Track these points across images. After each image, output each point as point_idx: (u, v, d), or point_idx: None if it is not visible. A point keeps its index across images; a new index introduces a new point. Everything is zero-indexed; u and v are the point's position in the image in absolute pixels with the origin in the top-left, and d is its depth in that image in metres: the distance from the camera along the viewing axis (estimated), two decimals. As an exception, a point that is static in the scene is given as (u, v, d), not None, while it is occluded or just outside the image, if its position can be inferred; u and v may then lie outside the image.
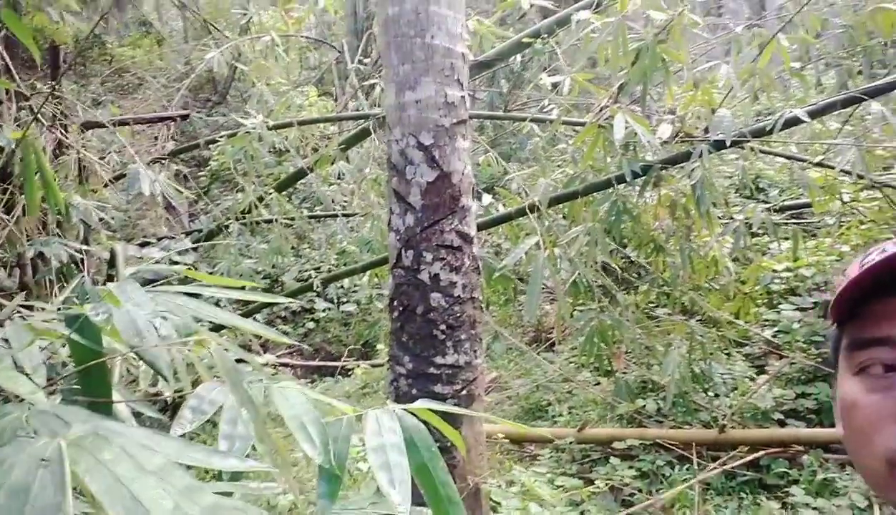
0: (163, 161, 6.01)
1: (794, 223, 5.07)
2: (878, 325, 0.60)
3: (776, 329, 4.49)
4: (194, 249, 6.04)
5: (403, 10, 2.97)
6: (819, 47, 4.46)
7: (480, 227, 4.00)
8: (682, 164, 4.47)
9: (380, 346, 6.57)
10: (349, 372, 6.44)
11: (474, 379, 3.25)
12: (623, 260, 5.34)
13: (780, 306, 4.52)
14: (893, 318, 0.60)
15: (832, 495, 3.71)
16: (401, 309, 3.18)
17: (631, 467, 4.17)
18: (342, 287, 7.59)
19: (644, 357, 4.84)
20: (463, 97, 3.13)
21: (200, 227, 6.15)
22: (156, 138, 7.21)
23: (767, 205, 5.08)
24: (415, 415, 1.01)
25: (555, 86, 4.63)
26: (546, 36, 4.86)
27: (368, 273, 5.99)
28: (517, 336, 6.47)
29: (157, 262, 3.78)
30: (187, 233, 6.32)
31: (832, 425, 4.12)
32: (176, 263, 4.96)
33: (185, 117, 7.40)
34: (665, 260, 4.88)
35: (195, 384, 1.05)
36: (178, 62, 10.93)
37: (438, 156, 3.05)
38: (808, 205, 5.21)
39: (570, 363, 5.71)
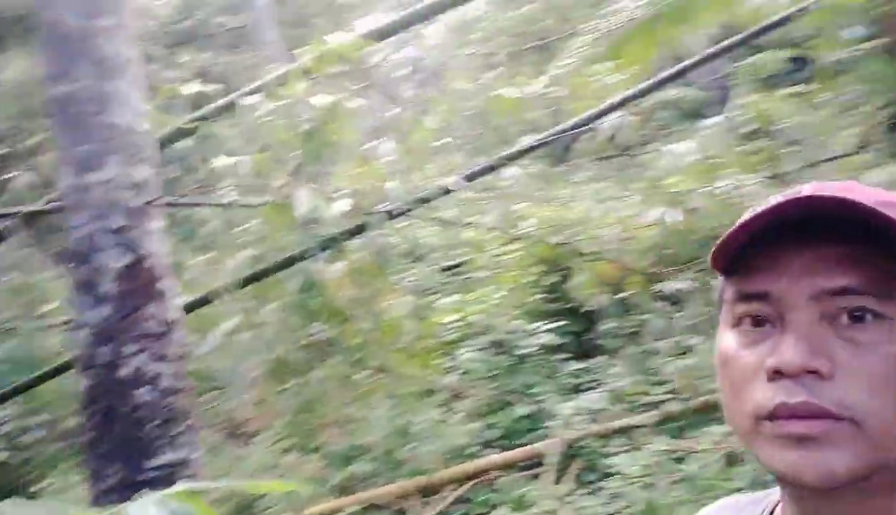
0: None
1: (458, 279, 5.80)
2: (755, 279, 0.59)
3: (461, 372, 5.04)
4: None
5: (79, 87, 2.75)
6: (460, 125, 5.29)
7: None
8: (362, 235, 4.80)
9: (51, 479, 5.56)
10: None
11: (194, 475, 3.02)
12: (317, 333, 5.45)
13: (458, 352, 5.09)
14: (771, 272, 0.58)
15: (529, 507, 4.24)
16: (99, 415, 2.83)
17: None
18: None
19: (349, 423, 4.98)
20: (151, 176, 2.99)
21: None
22: None
23: (434, 267, 5.72)
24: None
25: (229, 168, 4.63)
26: (214, 119, 4.86)
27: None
28: (211, 432, 6.07)
29: None
30: None
31: (519, 445, 4.76)
32: None
33: None
34: (355, 328, 5.13)
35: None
36: None
37: (131, 239, 2.84)
38: (464, 263, 5.99)
39: (275, 448, 5.56)
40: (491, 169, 4.95)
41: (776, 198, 0.57)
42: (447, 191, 4.69)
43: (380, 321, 5.09)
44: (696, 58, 5.78)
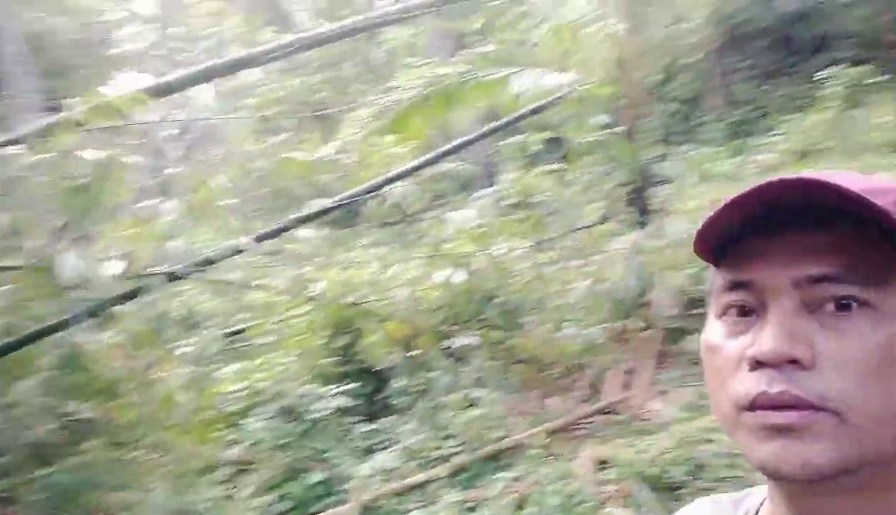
0: None
1: (241, 346, 5.57)
2: (741, 267, 0.58)
3: (249, 443, 4.78)
4: None
5: None
6: (246, 186, 5.18)
7: None
8: (137, 300, 4.45)
9: None
10: None
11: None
12: (80, 411, 4.86)
13: (245, 421, 4.85)
14: (757, 260, 0.57)
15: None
16: None
17: None
18: None
19: (123, 510, 4.46)
20: None
21: None
22: None
23: (215, 333, 5.44)
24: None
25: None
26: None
27: None
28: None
29: None
30: None
31: (314, 514, 4.60)
32: None
33: None
34: (127, 403, 4.68)
35: None
36: None
37: None
38: (249, 328, 5.79)
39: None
40: (281, 231, 4.92)
41: (760, 179, 0.56)
42: (236, 252, 4.55)
43: (154, 393, 4.70)
44: (469, 136, 6.36)
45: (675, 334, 5.37)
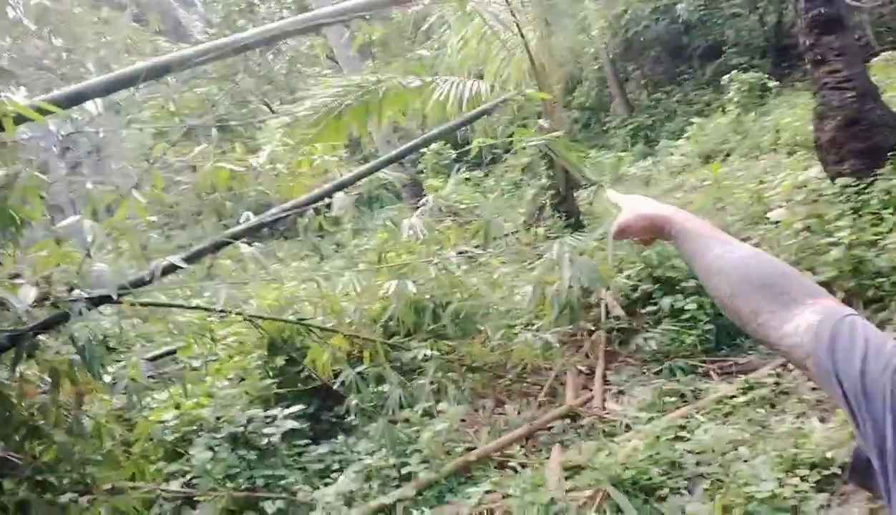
0: None
1: (175, 370, 5.15)
2: None
3: (190, 476, 4.40)
4: None
5: None
6: (174, 202, 4.79)
7: None
8: (55, 328, 4.04)
9: None
10: None
11: None
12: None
13: (189, 452, 4.47)
14: None
15: None
16: None
17: None
18: None
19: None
20: None
21: None
22: None
23: (146, 358, 5.01)
24: None
25: None
26: None
27: None
28: None
29: None
30: None
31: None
32: None
33: None
34: (48, 440, 4.21)
35: None
36: None
37: None
38: (178, 352, 5.37)
39: None
40: (215, 247, 4.59)
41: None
42: (166, 271, 4.19)
43: (80, 427, 4.26)
44: (409, 144, 6.21)
45: (623, 334, 5.44)
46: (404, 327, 5.09)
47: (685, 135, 11.66)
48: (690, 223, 1.06)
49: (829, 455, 3.41)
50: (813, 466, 3.36)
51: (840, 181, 5.59)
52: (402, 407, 4.61)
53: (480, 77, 8.42)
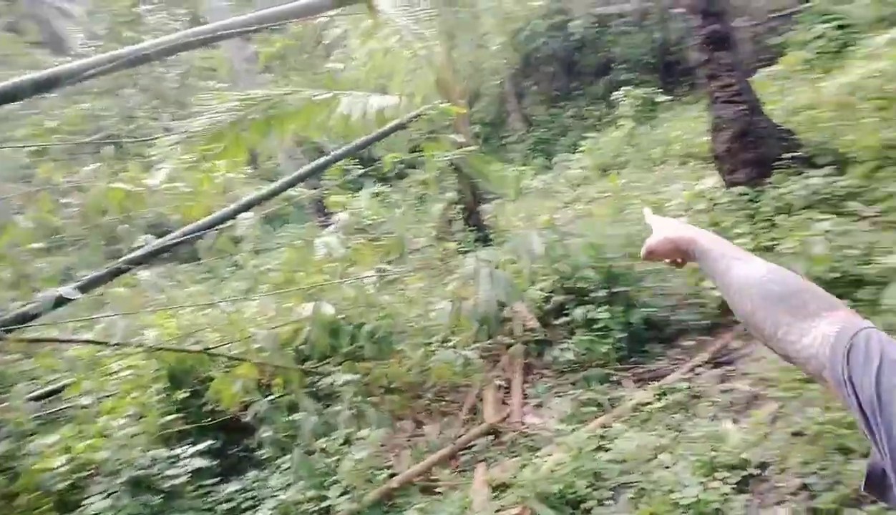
0: None
1: (64, 409, 4.74)
2: None
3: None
4: None
5: None
6: (62, 226, 4.39)
7: None
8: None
9: None
10: None
11: None
12: None
13: (83, 501, 4.07)
14: None
15: None
16: None
17: None
18: None
19: None
20: None
21: None
22: None
23: (31, 399, 4.56)
24: None
25: None
26: None
27: None
28: None
29: None
30: None
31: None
32: None
33: None
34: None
35: None
36: None
37: None
38: (66, 389, 4.95)
39: None
40: (111, 275, 4.25)
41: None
42: (58, 304, 3.83)
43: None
44: (320, 161, 6.03)
45: (539, 346, 5.45)
46: (318, 351, 4.89)
47: (580, 148, 12.01)
48: (713, 244, 1.14)
49: (744, 456, 3.52)
50: (732, 468, 3.45)
51: (736, 189, 5.88)
52: (318, 436, 4.40)
53: (384, 91, 8.33)
